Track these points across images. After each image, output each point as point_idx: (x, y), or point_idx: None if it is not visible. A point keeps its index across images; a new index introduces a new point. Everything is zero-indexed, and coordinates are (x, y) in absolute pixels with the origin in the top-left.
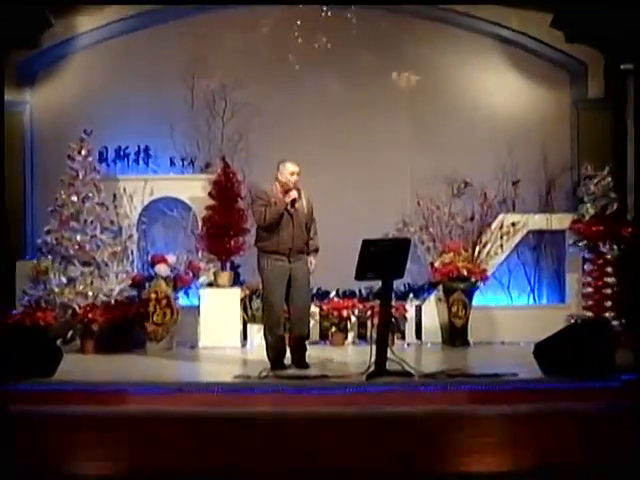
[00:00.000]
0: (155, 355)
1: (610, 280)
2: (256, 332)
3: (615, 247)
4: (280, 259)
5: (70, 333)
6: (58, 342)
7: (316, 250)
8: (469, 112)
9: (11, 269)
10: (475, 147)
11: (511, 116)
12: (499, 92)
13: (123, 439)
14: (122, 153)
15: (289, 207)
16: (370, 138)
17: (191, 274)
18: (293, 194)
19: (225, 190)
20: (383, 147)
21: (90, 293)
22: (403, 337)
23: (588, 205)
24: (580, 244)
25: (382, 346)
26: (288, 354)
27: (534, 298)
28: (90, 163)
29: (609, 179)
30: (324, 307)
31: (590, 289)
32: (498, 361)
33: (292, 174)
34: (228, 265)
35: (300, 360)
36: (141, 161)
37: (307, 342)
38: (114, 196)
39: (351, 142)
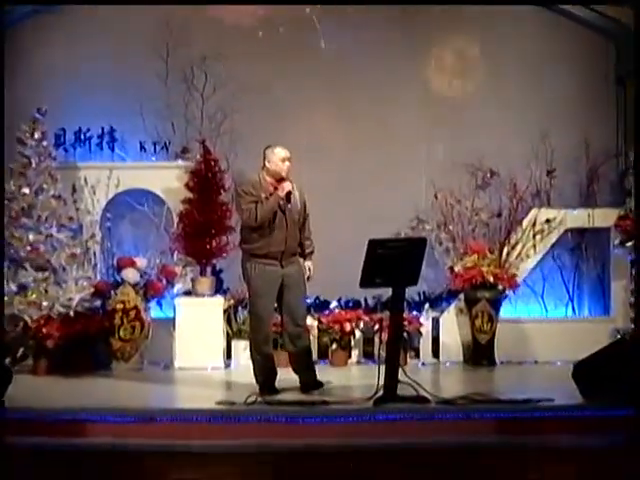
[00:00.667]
0: (122, 377)
1: None
2: (242, 350)
3: None
4: (271, 263)
5: (21, 350)
6: (7, 361)
7: (312, 252)
8: (495, 89)
9: None
10: (503, 130)
11: (546, 94)
12: (531, 65)
13: (83, 477)
14: (83, 136)
15: (283, 202)
16: (379, 120)
17: (165, 281)
18: (287, 186)
19: (205, 180)
20: (394, 131)
21: (45, 303)
22: (417, 355)
23: None
24: (627, 245)
25: (392, 366)
26: (281, 376)
27: (573, 309)
28: (45, 148)
29: None
30: (323, 320)
31: None
32: (530, 384)
33: (283, 160)
34: (209, 270)
35: (309, 381)
36: (105, 146)
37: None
38: (73, 188)
39: (356, 125)
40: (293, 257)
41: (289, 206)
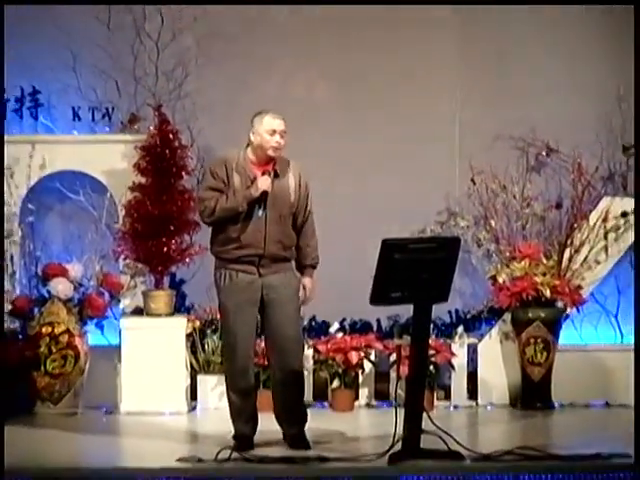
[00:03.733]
0: (50, 425)
1: None
2: (212, 388)
3: None
4: (245, 270)
5: None
6: None
7: (313, 265)
8: (549, 33)
9: None
10: (562, 90)
11: (619, 38)
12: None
13: None
14: None
15: (260, 207)
16: (394, 76)
17: (107, 295)
18: (263, 183)
19: (161, 160)
20: (418, 92)
21: None
22: (447, 396)
23: None
24: None
25: (414, 411)
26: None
27: None
28: None
29: None
30: (321, 348)
31: None
32: (599, 434)
33: (272, 133)
34: (166, 281)
35: (295, 435)
36: (26, 113)
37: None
38: None
39: (369, 85)
40: (279, 264)
41: (267, 195)
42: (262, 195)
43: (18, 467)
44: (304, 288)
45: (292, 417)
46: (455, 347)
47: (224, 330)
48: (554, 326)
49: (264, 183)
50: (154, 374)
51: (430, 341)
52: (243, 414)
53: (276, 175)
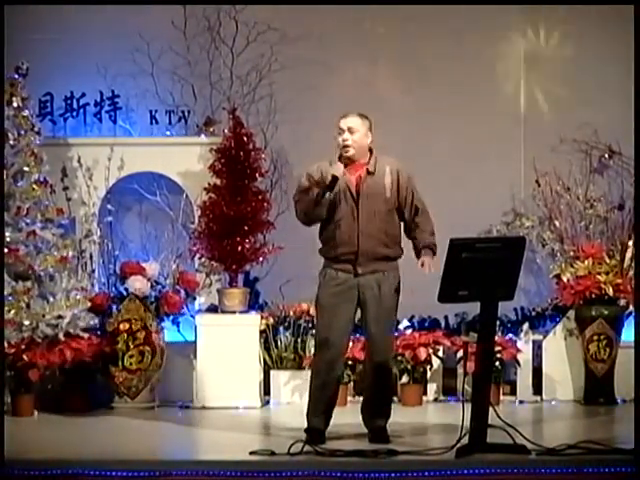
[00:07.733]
0: (128, 419)
1: None
2: (284, 383)
3: None
4: (342, 269)
5: None
6: None
7: (428, 246)
8: (612, 35)
9: None
10: (624, 93)
11: None
12: None
13: None
14: (75, 104)
15: (330, 191)
16: (460, 78)
17: (183, 293)
18: (335, 169)
19: (236, 162)
20: (482, 94)
21: (26, 322)
22: (513, 392)
23: None
24: None
25: (481, 406)
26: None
27: None
28: (26, 119)
29: None
30: None
31: None
32: None
33: (340, 132)
34: (240, 279)
35: (378, 428)
36: (105, 116)
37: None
38: (63, 171)
39: (432, 84)
40: (377, 262)
41: (360, 192)
42: (332, 182)
43: (98, 459)
44: (422, 265)
45: (378, 411)
46: (520, 344)
47: (318, 325)
48: (617, 323)
49: (335, 169)
50: (228, 369)
51: (496, 338)
52: (320, 407)
53: (369, 173)
